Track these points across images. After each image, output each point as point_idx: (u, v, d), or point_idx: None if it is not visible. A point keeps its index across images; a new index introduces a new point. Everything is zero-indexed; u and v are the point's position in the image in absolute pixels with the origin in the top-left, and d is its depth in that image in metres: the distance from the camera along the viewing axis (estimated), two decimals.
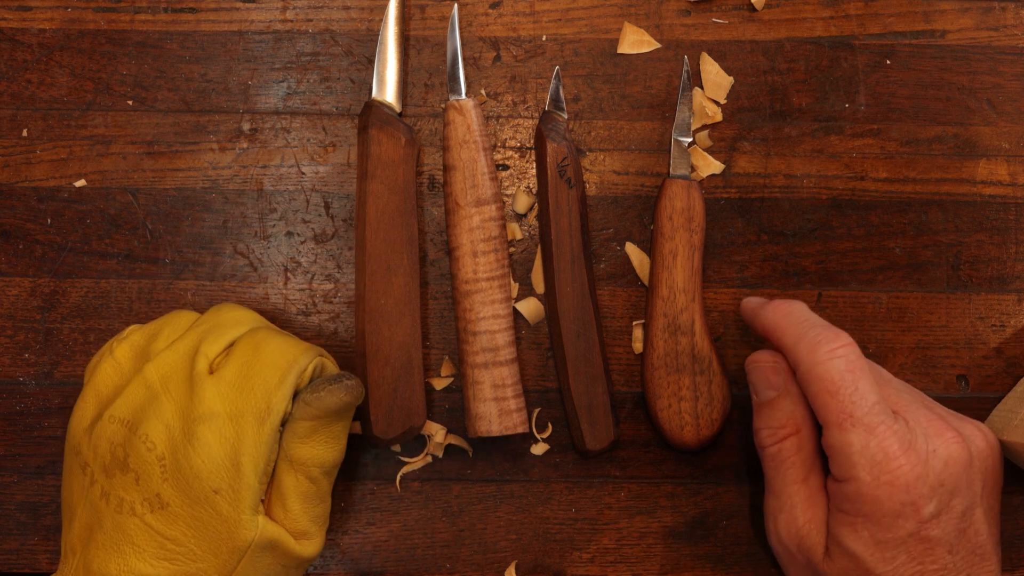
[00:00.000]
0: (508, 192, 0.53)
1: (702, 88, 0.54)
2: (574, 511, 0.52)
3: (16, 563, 0.51)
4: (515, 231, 0.53)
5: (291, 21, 0.54)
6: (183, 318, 0.47)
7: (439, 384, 0.52)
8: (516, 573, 0.51)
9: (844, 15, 0.54)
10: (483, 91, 0.54)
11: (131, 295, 0.52)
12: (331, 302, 0.53)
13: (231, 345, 0.45)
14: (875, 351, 0.53)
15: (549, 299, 0.52)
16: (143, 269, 0.53)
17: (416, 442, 0.52)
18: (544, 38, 0.54)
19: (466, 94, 0.52)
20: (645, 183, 0.53)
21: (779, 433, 0.46)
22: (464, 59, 0.53)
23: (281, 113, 0.54)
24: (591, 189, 0.53)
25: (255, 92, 0.54)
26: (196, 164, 0.53)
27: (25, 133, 0.53)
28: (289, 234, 0.53)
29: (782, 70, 0.54)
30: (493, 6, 0.54)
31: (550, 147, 0.51)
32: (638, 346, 0.52)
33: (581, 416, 0.50)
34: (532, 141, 0.54)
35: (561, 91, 0.53)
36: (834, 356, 0.43)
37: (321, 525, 0.46)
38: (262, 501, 0.44)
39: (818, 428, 0.46)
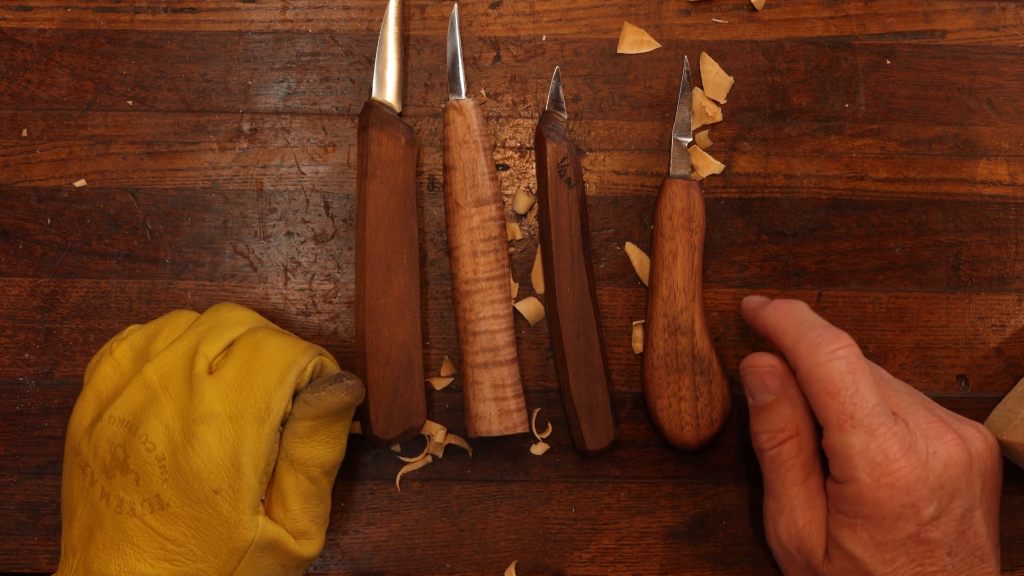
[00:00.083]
0: (508, 192, 0.53)
1: (702, 88, 0.54)
2: (574, 511, 0.52)
3: (16, 563, 0.51)
4: (515, 231, 0.53)
5: (291, 21, 0.54)
6: (182, 318, 0.47)
7: (439, 384, 0.52)
8: (516, 573, 0.51)
9: (844, 15, 0.54)
10: (483, 91, 0.54)
11: (131, 295, 0.52)
12: (331, 302, 0.53)
13: (230, 345, 0.45)
14: (875, 351, 0.53)
15: (549, 299, 0.52)
16: (143, 269, 0.53)
17: (416, 442, 0.52)
18: (544, 38, 0.54)
19: (466, 94, 0.52)
20: (645, 183, 0.53)
21: (778, 437, 0.46)
22: (464, 59, 0.53)
23: (281, 113, 0.54)
24: (591, 189, 0.53)
25: (255, 92, 0.54)
26: (196, 164, 0.53)
27: (25, 133, 0.53)
28: (289, 234, 0.53)
29: (782, 70, 0.54)
30: (493, 6, 0.54)
31: (550, 147, 0.51)
32: (638, 346, 0.52)
33: (581, 416, 0.50)
34: (532, 141, 0.54)
35: (561, 91, 0.53)
36: (835, 357, 0.43)
37: (321, 525, 0.46)
38: (262, 501, 0.44)
39: (817, 429, 0.46)
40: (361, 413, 0.49)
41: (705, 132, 0.53)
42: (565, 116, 0.53)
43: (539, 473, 0.52)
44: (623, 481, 0.52)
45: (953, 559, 0.42)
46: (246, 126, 0.53)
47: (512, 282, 0.52)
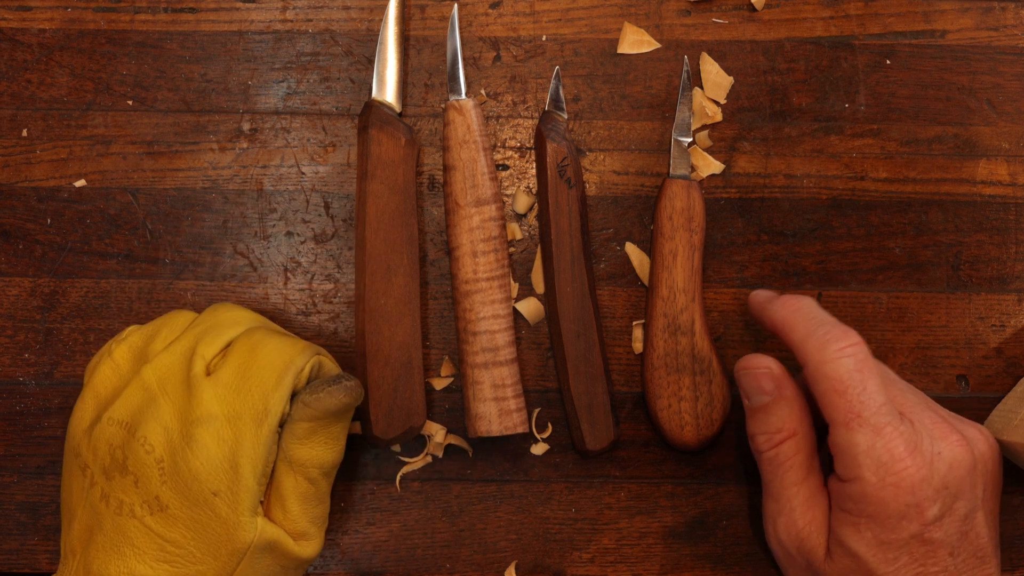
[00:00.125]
0: (508, 192, 0.53)
1: (702, 88, 0.54)
2: (574, 511, 0.52)
3: (16, 563, 0.51)
4: (515, 231, 0.53)
5: (291, 21, 0.54)
6: (181, 318, 0.47)
7: (439, 384, 0.52)
8: (516, 573, 0.51)
9: (844, 15, 0.54)
10: (483, 91, 0.54)
11: (131, 295, 0.52)
12: (331, 302, 0.53)
13: (228, 346, 0.45)
14: (875, 351, 0.52)
15: (549, 299, 0.52)
16: (143, 269, 0.53)
17: (416, 442, 0.52)
18: (544, 38, 0.54)
19: (466, 94, 0.52)
20: (645, 183, 0.53)
21: (775, 438, 0.46)
22: (464, 59, 0.53)
23: (281, 113, 0.54)
24: (591, 189, 0.53)
25: (255, 92, 0.54)
26: (196, 164, 0.53)
27: (25, 133, 0.53)
28: (289, 234, 0.53)
29: (782, 70, 0.54)
30: (493, 6, 0.54)
31: (550, 147, 0.51)
32: (638, 346, 0.52)
33: (581, 416, 0.50)
34: (532, 141, 0.54)
35: (561, 91, 0.53)
36: (843, 355, 0.43)
37: (320, 526, 0.46)
38: (261, 502, 0.44)
39: (814, 429, 0.46)
40: (361, 413, 0.49)
41: (705, 132, 0.53)
42: (565, 116, 0.53)
43: (539, 473, 0.52)
44: (623, 481, 0.52)
45: (955, 560, 0.42)
46: (246, 126, 0.53)
47: (512, 282, 0.52)
